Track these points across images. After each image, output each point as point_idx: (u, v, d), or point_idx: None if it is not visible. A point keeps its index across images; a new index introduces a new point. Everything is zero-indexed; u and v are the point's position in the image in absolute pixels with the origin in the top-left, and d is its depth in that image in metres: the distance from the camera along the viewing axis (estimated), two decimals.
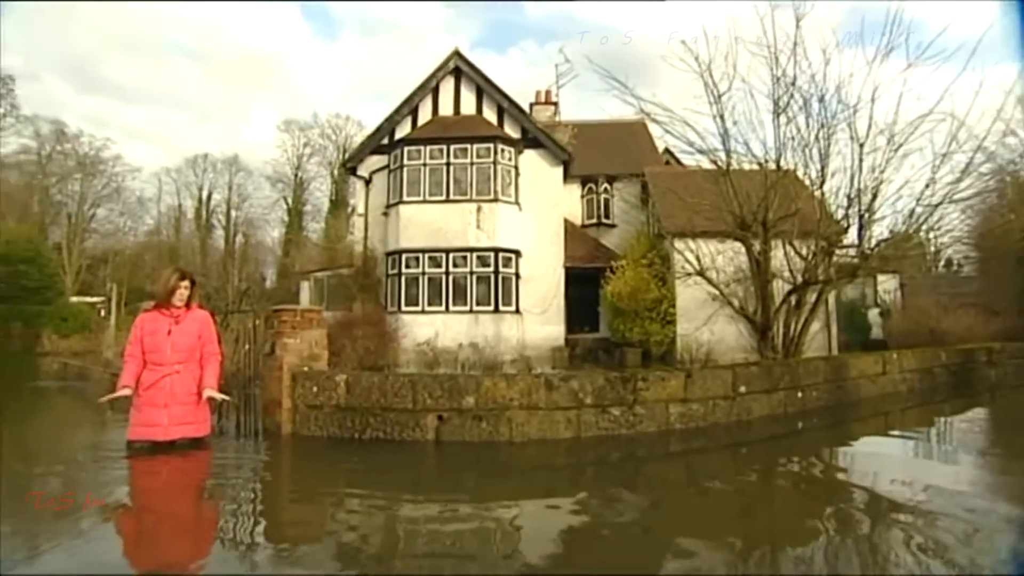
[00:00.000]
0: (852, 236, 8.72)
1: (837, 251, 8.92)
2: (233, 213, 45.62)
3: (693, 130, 8.78)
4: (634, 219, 16.44)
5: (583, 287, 14.89)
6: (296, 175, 45.45)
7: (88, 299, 30.34)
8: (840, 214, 8.59)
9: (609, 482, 4.30)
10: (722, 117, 8.70)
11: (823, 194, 8.58)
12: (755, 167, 8.91)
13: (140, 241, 41.38)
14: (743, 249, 8.97)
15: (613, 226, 17.36)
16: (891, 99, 8.70)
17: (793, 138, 8.57)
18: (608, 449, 5.06)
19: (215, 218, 45.73)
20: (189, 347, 4.44)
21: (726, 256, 9.88)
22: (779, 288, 8.88)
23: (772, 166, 8.62)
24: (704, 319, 11.10)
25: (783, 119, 8.53)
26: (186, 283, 4.49)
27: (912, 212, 8.50)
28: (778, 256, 8.82)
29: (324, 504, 3.70)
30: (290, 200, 45.36)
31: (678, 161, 16.01)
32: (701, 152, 8.93)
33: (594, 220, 17.61)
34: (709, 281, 9.65)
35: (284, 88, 61.98)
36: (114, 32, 57.32)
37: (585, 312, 15.10)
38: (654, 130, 15.12)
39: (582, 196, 17.83)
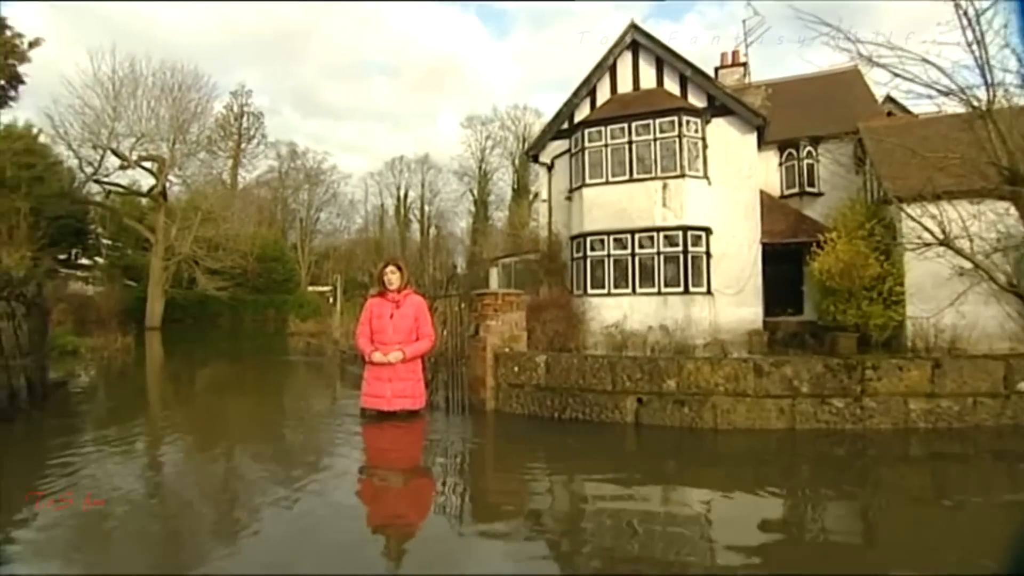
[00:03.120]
0: None
1: None
2: (426, 208, 50.58)
3: (936, 67, 7.15)
4: (846, 184, 14.29)
5: (783, 265, 13.47)
6: (480, 167, 48.48)
7: (318, 288, 36.38)
8: None
9: (827, 483, 3.77)
10: (980, 43, 6.92)
11: None
12: None
13: (352, 238, 48.14)
14: (1012, 209, 7.15)
15: (819, 194, 15.36)
16: None
17: None
18: (828, 445, 4.49)
19: (411, 213, 51.07)
20: (407, 329, 4.95)
21: (984, 220, 7.99)
22: None
23: None
24: (947, 299, 9.21)
25: None
26: (391, 268, 5.06)
27: None
28: None
29: (525, 478, 3.82)
30: (475, 191, 48.58)
31: (905, 110, 13.46)
32: (946, 94, 7.23)
33: (795, 189, 15.74)
34: (958, 252, 7.85)
35: (465, 88, 66.41)
36: (327, 64, 67.77)
37: (786, 292, 13.62)
38: (876, 77, 12.80)
39: (780, 163, 16.05)
